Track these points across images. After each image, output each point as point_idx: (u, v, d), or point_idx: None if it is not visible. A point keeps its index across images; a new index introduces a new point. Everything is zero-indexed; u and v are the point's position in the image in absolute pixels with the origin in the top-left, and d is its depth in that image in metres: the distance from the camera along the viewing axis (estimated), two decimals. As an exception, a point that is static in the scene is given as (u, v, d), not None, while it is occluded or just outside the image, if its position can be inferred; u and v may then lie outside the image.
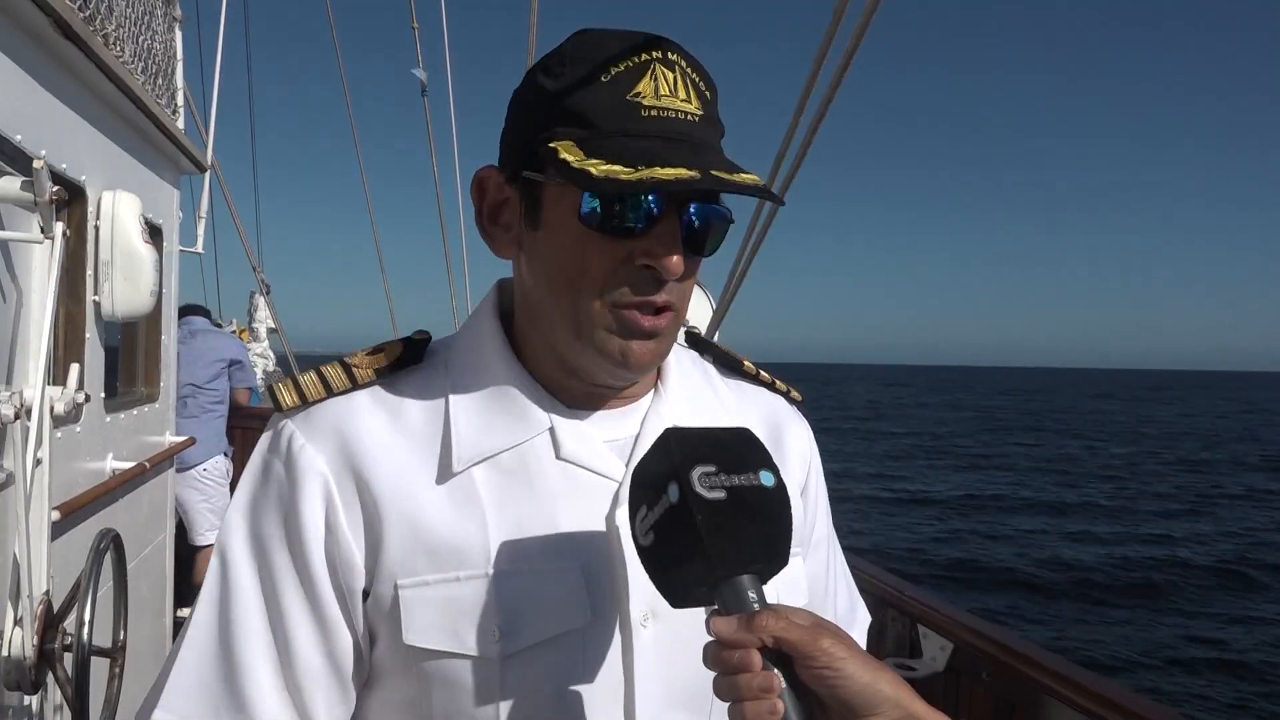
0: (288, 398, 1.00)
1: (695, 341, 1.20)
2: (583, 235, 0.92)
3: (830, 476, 1.24)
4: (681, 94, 0.92)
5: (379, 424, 0.99)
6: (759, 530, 0.80)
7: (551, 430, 1.00)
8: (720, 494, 0.79)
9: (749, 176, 0.90)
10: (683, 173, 0.85)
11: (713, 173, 0.86)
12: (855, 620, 1.27)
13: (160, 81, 4.01)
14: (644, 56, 0.92)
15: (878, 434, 40.66)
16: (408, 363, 1.04)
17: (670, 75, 0.92)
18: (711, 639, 0.79)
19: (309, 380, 1.01)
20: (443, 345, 1.08)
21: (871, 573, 3.37)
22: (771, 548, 0.81)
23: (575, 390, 1.02)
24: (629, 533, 0.86)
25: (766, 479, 0.82)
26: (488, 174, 1.02)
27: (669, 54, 0.93)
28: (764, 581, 0.81)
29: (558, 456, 0.99)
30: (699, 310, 4.65)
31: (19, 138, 2.36)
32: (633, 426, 1.03)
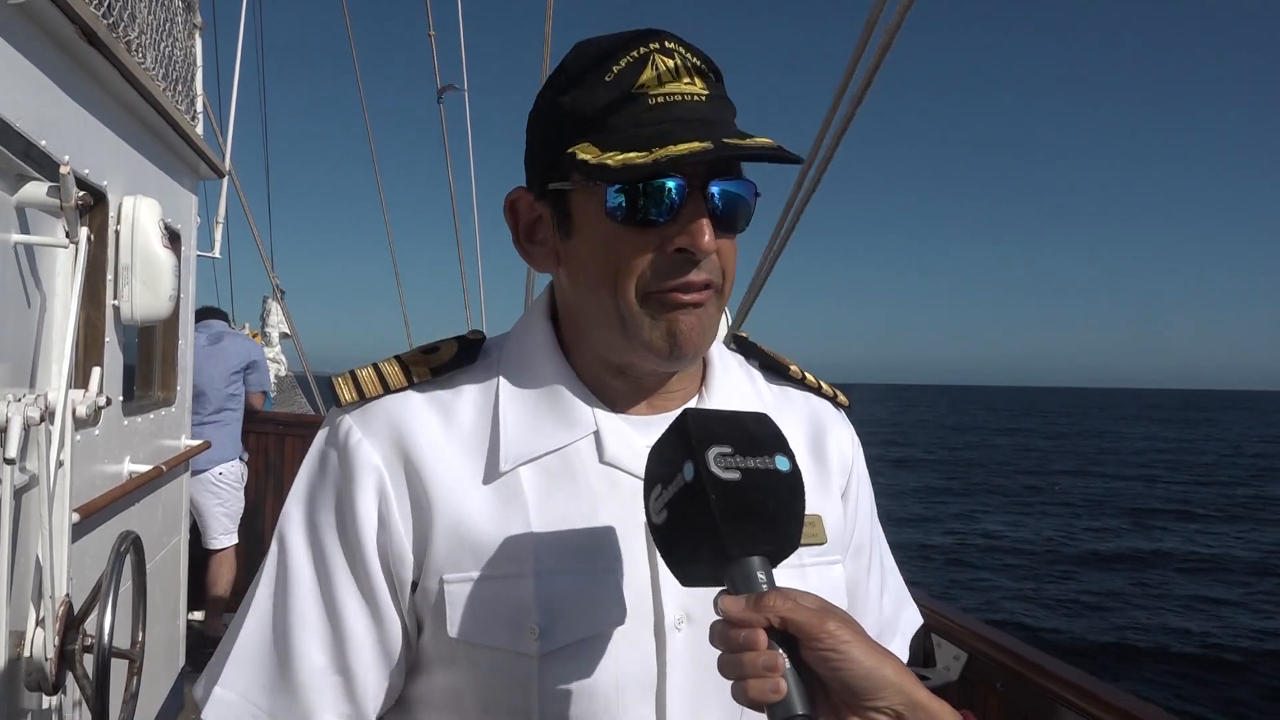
0: (346, 393, 1.03)
1: (742, 345, 1.21)
2: (613, 232, 0.95)
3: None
4: (685, 78, 0.94)
5: (432, 422, 1.02)
6: (771, 512, 0.81)
7: (596, 434, 1.02)
8: (735, 475, 0.80)
9: (762, 140, 0.92)
10: (694, 146, 0.87)
11: (725, 141, 0.89)
12: (899, 623, 1.27)
13: (180, 88, 4.04)
14: (642, 50, 0.94)
15: (914, 462, 37.43)
16: (462, 362, 1.07)
17: (670, 62, 0.94)
18: (719, 618, 0.80)
19: (367, 376, 1.04)
20: (495, 345, 1.11)
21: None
22: (783, 530, 0.82)
23: (621, 391, 1.05)
24: None
25: (781, 463, 0.83)
26: (517, 195, 1.06)
27: (665, 42, 0.95)
28: (774, 564, 0.82)
29: (601, 460, 1.02)
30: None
31: (44, 143, 2.39)
32: None
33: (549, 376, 1.04)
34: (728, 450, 0.81)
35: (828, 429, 1.18)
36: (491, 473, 1.00)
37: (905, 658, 1.22)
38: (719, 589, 0.82)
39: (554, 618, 0.95)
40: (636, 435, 1.03)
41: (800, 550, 1.04)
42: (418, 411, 1.03)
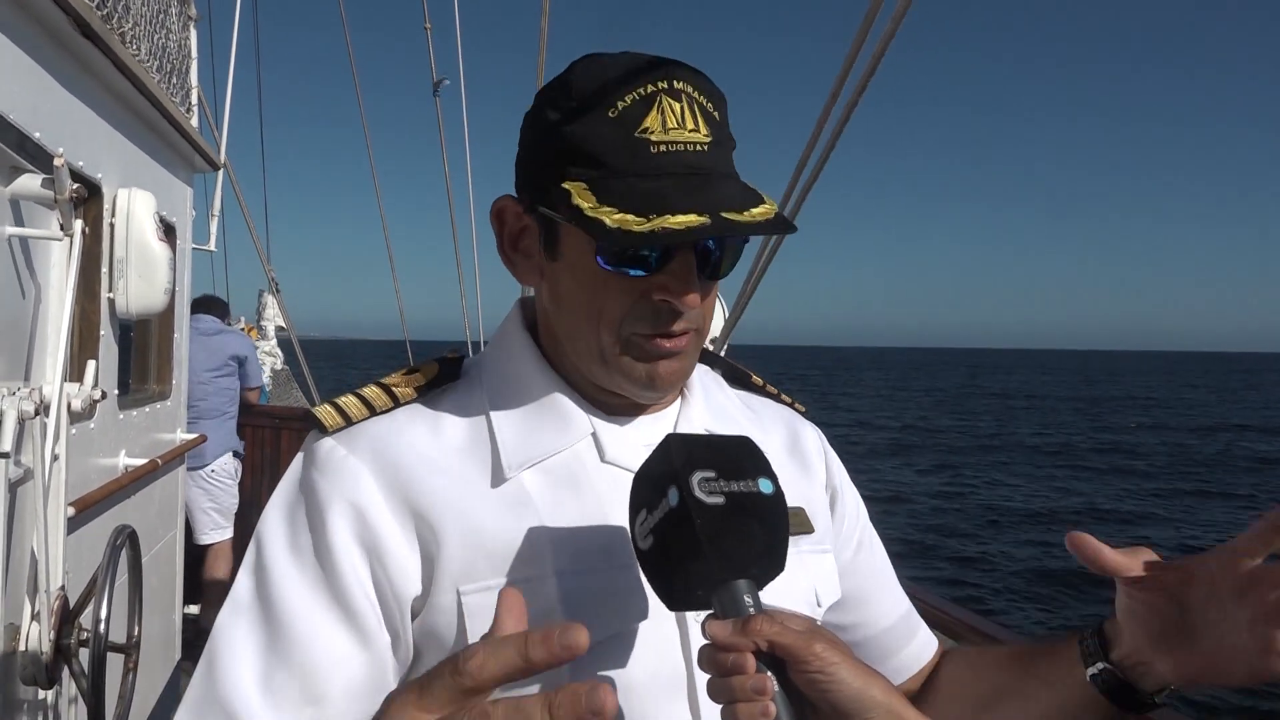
0: (330, 419, 0.99)
1: (703, 355, 1.20)
2: (599, 273, 0.95)
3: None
4: (690, 124, 0.92)
5: (424, 437, 1.00)
6: (756, 536, 0.82)
7: (594, 435, 1.02)
8: (719, 499, 0.81)
9: (760, 211, 0.90)
10: (693, 220, 0.86)
11: (723, 215, 0.87)
12: (915, 637, 1.25)
13: (175, 80, 4.03)
14: (649, 88, 0.92)
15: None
16: (445, 380, 1.06)
17: (677, 106, 0.92)
18: (706, 642, 0.81)
19: (350, 402, 1.01)
20: (475, 363, 1.10)
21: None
22: (769, 554, 0.83)
23: (609, 399, 1.05)
24: None
25: (765, 486, 0.84)
26: (505, 204, 1.04)
27: (674, 82, 0.93)
28: (760, 587, 0.83)
29: (603, 460, 1.02)
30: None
31: (38, 135, 2.38)
32: (666, 430, 1.05)
33: (538, 385, 1.04)
34: (711, 475, 0.82)
35: (800, 431, 1.22)
36: (496, 479, 0.98)
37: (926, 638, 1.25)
38: (706, 612, 0.83)
39: (579, 617, 0.90)
40: (633, 435, 1.04)
41: (796, 539, 1.05)
42: (406, 428, 1.00)
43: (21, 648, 2.30)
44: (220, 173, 5.57)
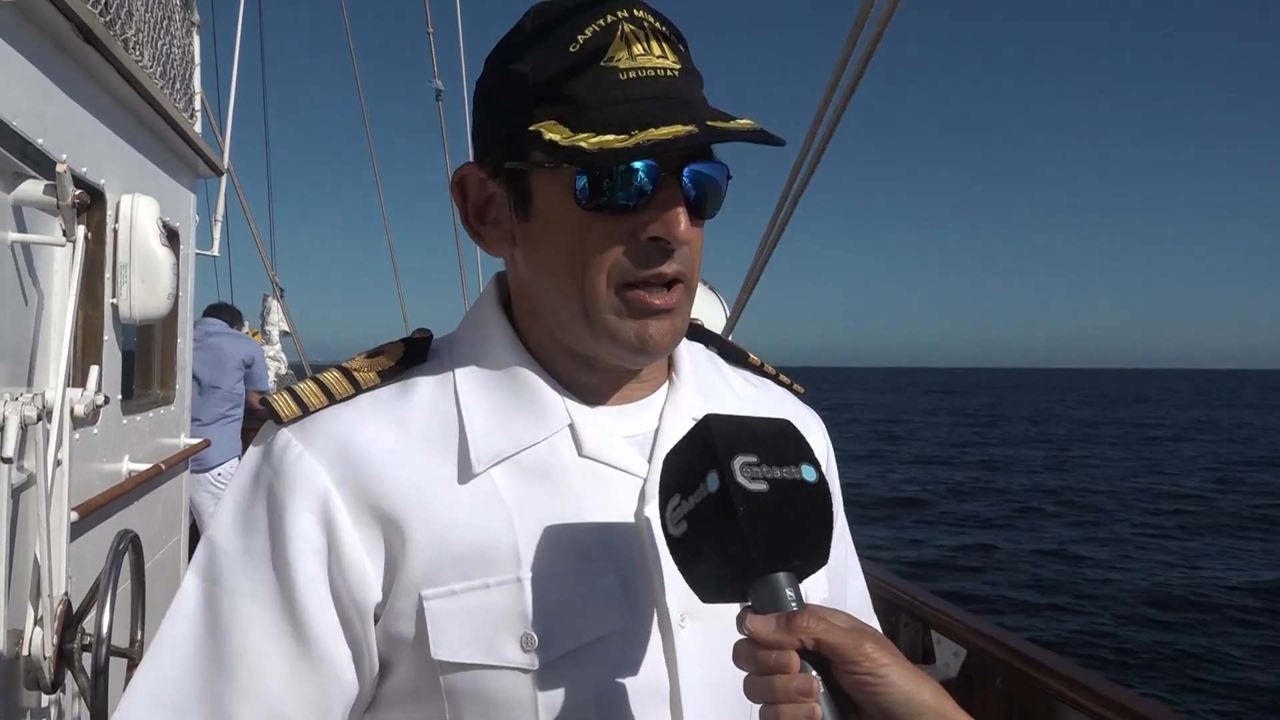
0: (285, 408, 0.92)
1: (696, 332, 1.14)
2: (580, 218, 0.88)
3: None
4: (656, 50, 0.87)
5: (387, 429, 0.92)
6: (800, 525, 0.78)
7: (572, 426, 0.95)
8: (762, 485, 0.76)
9: (745, 121, 0.85)
10: (679, 129, 0.81)
11: (709, 124, 0.82)
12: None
13: (178, 86, 4.03)
14: (609, 19, 0.87)
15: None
16: (411, 363, 0.98)
17: (640, 33, 0.87)
18: (743, 637, 0.77)
19: (307, 389, 0.94)
20: (446, 343, 1.02)
21: (885, 578, 3.37)
22: (812, 544, 0.79)
23: (588, 383, 0.97)
24: (659, 529, 0.83)
25: (809, 473, 0.79)
26: (467, 171, 0.97)
27: (633, 10, 0.88)
28: (800, 579, 0.78)
29: (580, 454, 0.94)
30: (712, 314, 4.65)
31: (41, 141, 2.38)
32: (651, 421, 0.99)
33: (512, 370, 0.96)
34: (754, 460, 0.77)
35: (803, 422, 1.12)
36: (464, 475, 0.91)
37: None
38: (742, 604, 0.79)
39: (551, 625, 0.88)
40: (614, 425, 0.97)
41: None
42: (368, 418, 0.92)
43: (25, 652, 2.31)
44: (224, 178, 5.58)
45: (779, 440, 0.81)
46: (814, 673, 0.74)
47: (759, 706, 0.75)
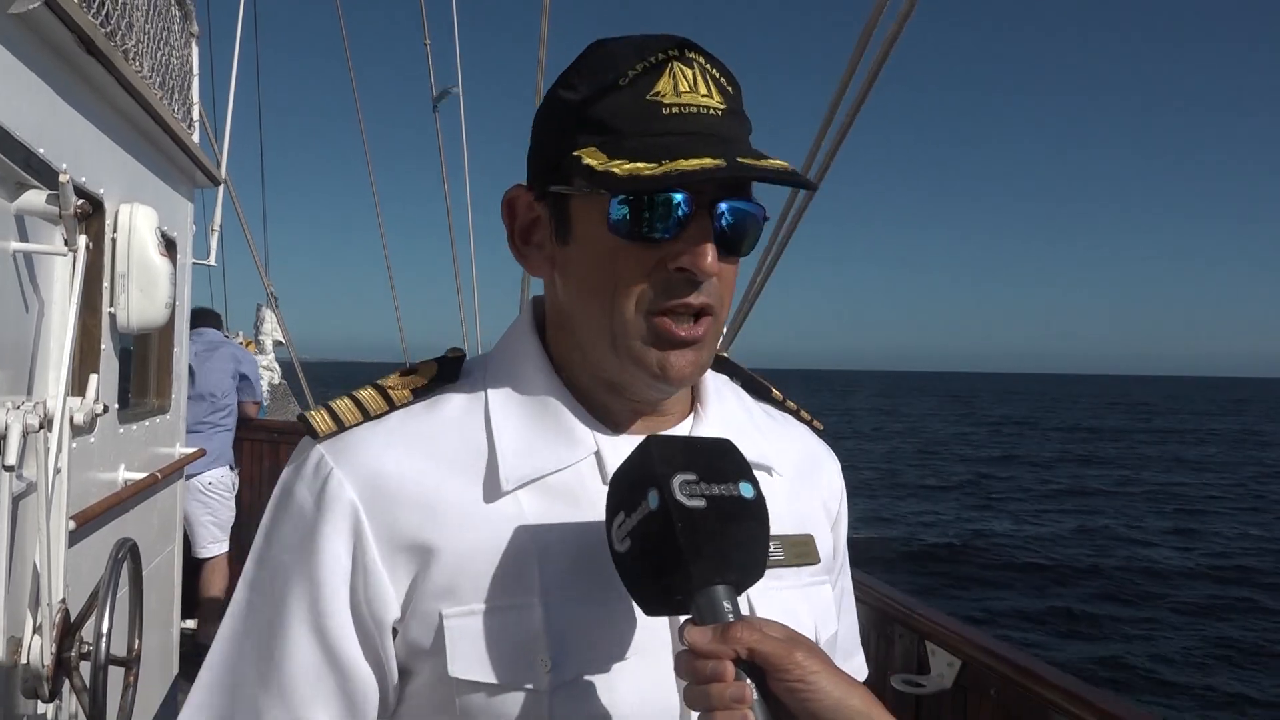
0: (321, 424, 0.96)
1: (722, 364, 1.16)
2: (613, 245, 0.91)
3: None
4: (702, 89, 0.90)
5: (417, 446, 0.95)
6: (737, 541, 0.81)
7: (598, 454, 0.97)
8: (700, 502, 0.80)
9: (777, 162, 0.88)
10: (707, 162, 0.83)
11: (739, 160, 0.85)
12: (851, 659, 1.21)
13: (177, 96, 4.04)
14: (660, 56, 0.90)
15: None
16: (444, 382, 1.01)
17: (689, 72, 0.90)
18: (684, 648, 0.79)
19: (343, 405, 0.97)
20: (479, 364, 1.05)
21: (880, 589, 3.37)
22: (748, 559, 0.82)
23: (617, 410, 1.00)
24: None
25: (746, 490, 0.83)
26: (516, 194, 1.01)
27: (686, 51, 0.91)
28: (739, 592, 0.82)
29: (604, 481, 0.94)
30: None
31: (43, 151, 2.39)
32: None
33: (543, 393, 0.99)
34: (692, 478, 0.81)
35: (821, 460, 1.17)
36: (491, 495, 0.94)
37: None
38: (683, 618, 0.82)
39: (566, 648, 0.90)
40: None
41: (800, 570, 1.03)
42: (400, 436, 0.95)
43: (23, 661, 2.30)
44: (220, 188, 5.59)
45: (717, 459, 0.85)
46: (749, 681, 0.77)
47: None
